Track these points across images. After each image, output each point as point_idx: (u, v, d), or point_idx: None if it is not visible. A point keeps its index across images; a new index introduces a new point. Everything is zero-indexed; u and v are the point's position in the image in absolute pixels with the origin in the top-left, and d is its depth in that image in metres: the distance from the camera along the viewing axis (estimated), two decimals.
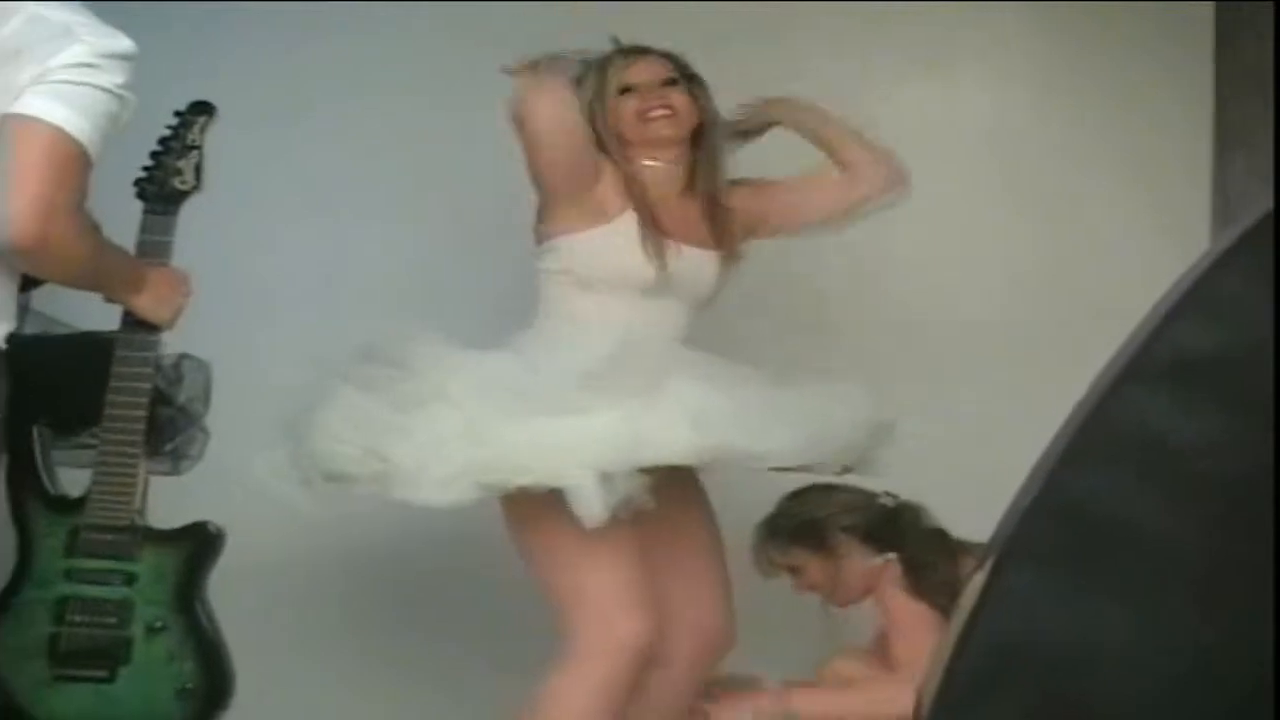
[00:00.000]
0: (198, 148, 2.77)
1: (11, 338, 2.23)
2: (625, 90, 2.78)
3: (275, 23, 3.62)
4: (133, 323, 2.65)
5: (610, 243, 2.70)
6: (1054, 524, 1.28)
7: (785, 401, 2.62)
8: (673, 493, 2.59)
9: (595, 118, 2.75)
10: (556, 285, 2.74)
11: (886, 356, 3.40)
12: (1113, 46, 3.63)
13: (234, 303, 3.33)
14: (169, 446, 2.83)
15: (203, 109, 2.80)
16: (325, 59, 3.65)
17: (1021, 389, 3.26)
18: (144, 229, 2.71)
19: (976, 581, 1.30)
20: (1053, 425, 1.30)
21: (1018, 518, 1.28)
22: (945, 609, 2.64)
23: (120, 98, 2.17)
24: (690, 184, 2.82)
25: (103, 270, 2.42)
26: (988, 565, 1.29)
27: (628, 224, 2.70)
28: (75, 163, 2.13)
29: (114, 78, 2.16)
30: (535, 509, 2.51)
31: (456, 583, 3.46)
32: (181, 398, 2.86)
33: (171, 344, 2.81)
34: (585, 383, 2.51)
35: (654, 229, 2.71)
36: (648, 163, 2.77)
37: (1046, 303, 3.60)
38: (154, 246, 2.69)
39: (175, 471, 2.85)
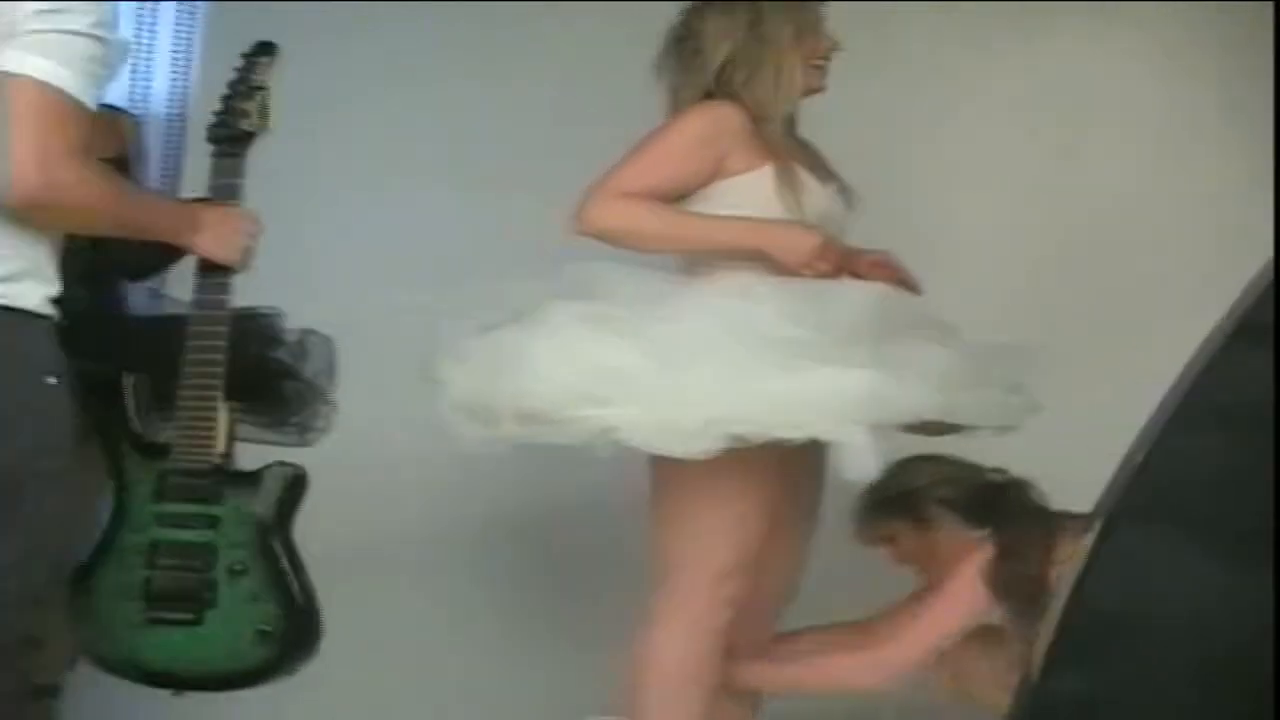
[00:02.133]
0: (263, 88, 2.76)
1: (60, 302, 2.21)
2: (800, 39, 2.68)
3: None
4: (205, 268, 2.65)
5: (773, 183, 2.62)
6: (1162, 486, 1.29)
7: (983, 359, 2.57)
8: (814, 451, 2.53)
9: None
10: None
11: (992, 322, 3.13)
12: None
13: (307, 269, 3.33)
14: (295, 419, 2.85)
15: (266, 49, 2.79)
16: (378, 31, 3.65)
17: (1133, 354, 3.01)
18: (213, 172, 2.71)
19: (1086, 543, 1.32)
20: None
21: (1126, 480, 1.29)
22: (1018, 610, 2.57)
23: (97, 38, 2.12)
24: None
25: (133, 215, 2.38)
26: (1097, 527, 1.30)
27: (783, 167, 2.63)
28: (61, 111, 2.08)
29: (84, 19, 2.10)
30: (709, 464, 2.40)
31: (570, 539, 3.46)
32: (308, 371, 2.87)
33: (295, 319, 2.87)
34: (846, 335, 2.44)
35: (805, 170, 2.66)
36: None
37: (1151, 267, 3.45)
38: (224, 189, 2.69)
39: (303, 443, 2.86)
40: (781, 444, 2.40)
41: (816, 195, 2.65)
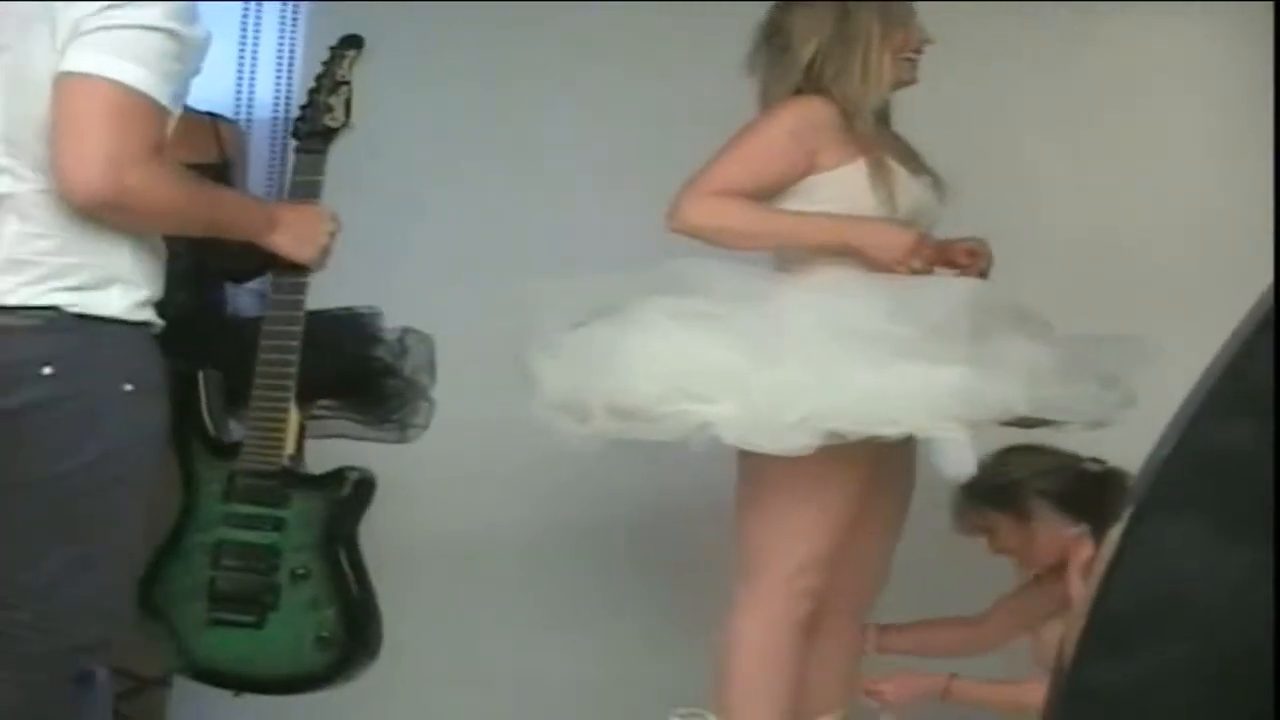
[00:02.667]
0: (347, 83, 2.72)
1: (159, 306, 2.21)
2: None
3: None
4: (282, 267, 2.62)
5: (865, 178, 2.61)
6: (1193, 473, 1.26)
7: (1078, 353, 2.56)
8: (904, 447, 2.56)
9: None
10: None
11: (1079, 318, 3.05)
12: None
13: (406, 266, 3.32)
14: (395, 416, 2.84)
15: (352, 43, 2.75)
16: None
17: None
18: (295, 169, 2.69)
19: (1115, 531, 1.30)
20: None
21: (1157, 467, 1.27)
22: None
23: (168, 32, 2.08)
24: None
25: (207, 214, 2.34)
26: (1126, 514, 1.29)
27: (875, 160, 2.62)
28: (134, 110, 2.05)
29: (152, 12, 2.06)
30: (796, 459, 2.40)
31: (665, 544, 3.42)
32: (408, 369, 2.87)
33: (391, 318, 2.88)
34: (941, 331, 2.42)
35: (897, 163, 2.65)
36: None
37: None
38: (305, 186, 2.67)
39: (403, 439, 2.86)
40: (876, 440, 2.41)
41: (909, 188, 2.63)
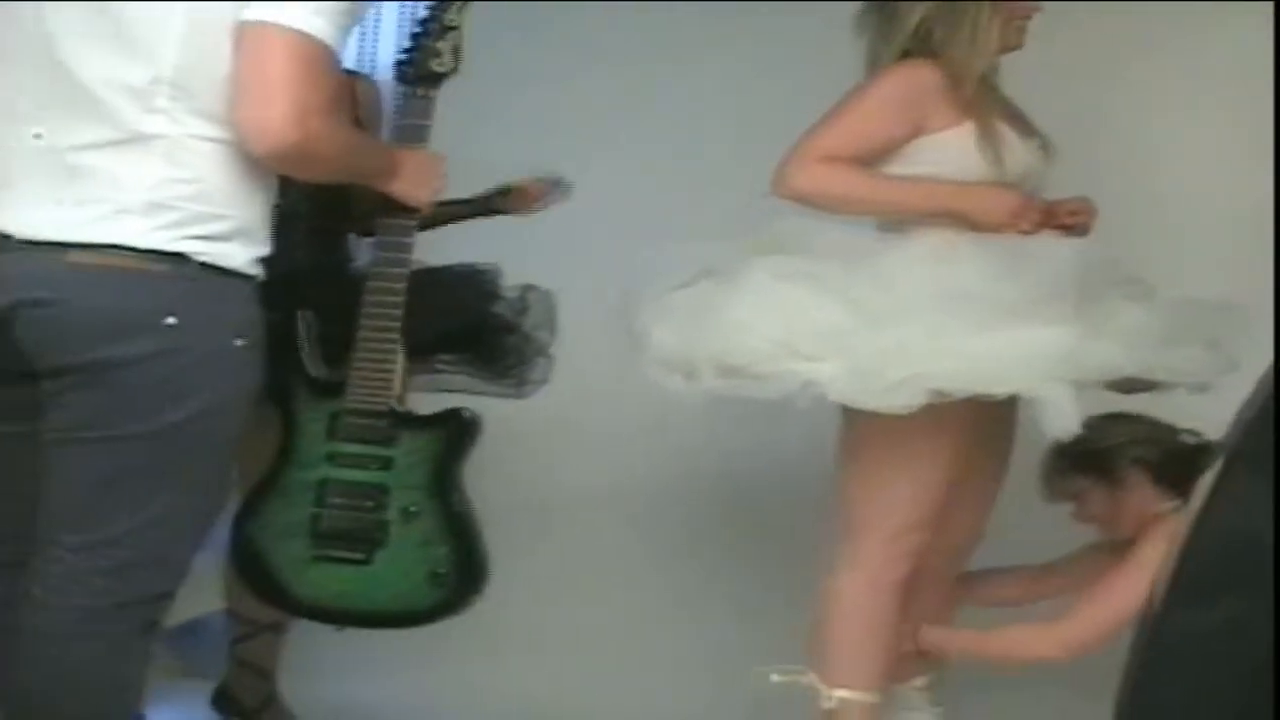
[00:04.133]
0: (456, 28, 2.72)
1: (268, 261, 2.21)
2: None
3: None
4: (391, 211, 2.63)
5: (974, 141, 2.59)
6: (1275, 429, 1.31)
7: (1182, 315, 2.55)
8: (1006, 408, 2.56)
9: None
10: None
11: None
12: None
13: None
14: (514, 372, 2.87)
15: None
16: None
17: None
18: (402, 112, 2.69)
19: (1206, 481, 1.36)
20: None
21: (1245, 423, 1.33)
22: None
23: None
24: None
25: (358, 163, 2.38)
26: (1218, 466, 1.35)
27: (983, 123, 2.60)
28: (319, 62, 2.05)
29: None
30: (900, 418, 2.40)
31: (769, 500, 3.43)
32: (527, 325, 2.89)
33: (514, 275, 2.91)
34: (1046, 292, 2.42)
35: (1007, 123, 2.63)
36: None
37: None
38: (412, 130, 2.66)
39: (520, 395, 2.89)
40: (979, 400, 2.40)
41: (1018, 151, 2.61)
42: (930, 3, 2.59)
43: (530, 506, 3.26)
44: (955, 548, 2.75)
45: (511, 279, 2.92)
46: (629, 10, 3.62)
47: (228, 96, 2.04)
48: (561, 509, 3.51)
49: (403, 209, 2.61)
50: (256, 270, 2.15)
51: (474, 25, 2.72)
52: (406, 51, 2.71)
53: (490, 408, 2.79)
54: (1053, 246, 2.53)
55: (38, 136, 2.07)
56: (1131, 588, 2.51)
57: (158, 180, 2.05)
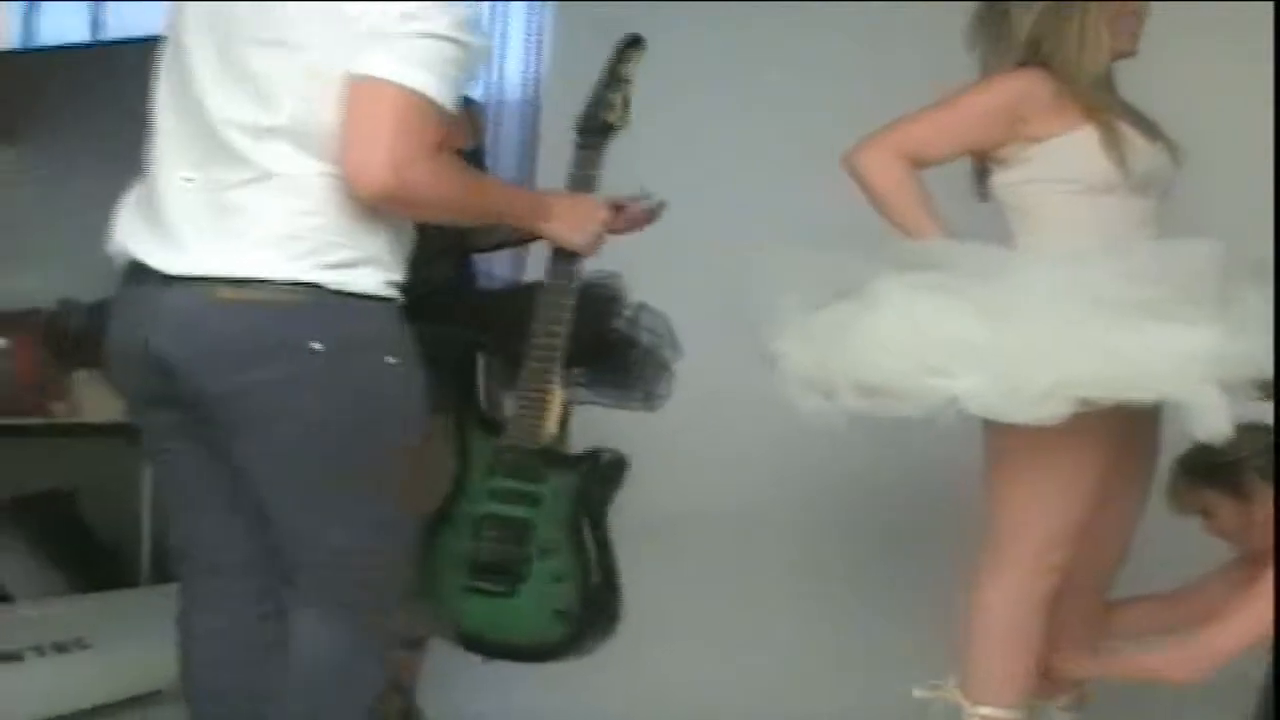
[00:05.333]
0: (628, 81, 2.82)
1: (404, 288, 2.33)
2: None
3: None
4: (555, 254, 2.74)
5: (1096, 143, 2.58)
6: None
7: None
8: (1149, 415, 2.54)
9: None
10: (1038, 194, 2.63)
11: None
12: None
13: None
14: (640, 386, 2.94)
15: (633, 42, 2.85)
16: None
17: None
18: (574, 163, 2.79)
19: None
20: None
21: None
22: None
23: (454, 40, 2.20)
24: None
25: (479, 204, 2.47)
26: None
27: (1105, 125, 2.59)
28: (419, 114, 2.17)
29: (443, 21, 2.18)
30: (1045, 429, 2.37)
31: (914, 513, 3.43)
32: (646, 341, 2.96)
33: (636, 293, 2.97)
34: (1188, 292, 2.38)
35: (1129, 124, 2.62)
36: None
37: None
38: (581, 180, 2.77)
39: (648, 408, 2.94)
40: (1126, 406, 2.36)
41: (1142, 153, 2.60)
42: (1039, 11, 2.60)
43: (656, 523, 3.29)
44: (1101, 562, 2.71)
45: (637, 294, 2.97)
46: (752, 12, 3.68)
47: (335, 143, 2.18)
48: (690, 525, 3.55)
49: (564, 252, 2.72)
50: (392, 293, 2.27)
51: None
52: (587, 104, 2.81)
53: (609, 424, 2.87)
54: (1190, 246, 2.46)
55: (188, 180, 2.24)
56: (1264, 605, 2.44)
57: (288, 214, 2.20)
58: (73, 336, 3.68)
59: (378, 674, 2.37)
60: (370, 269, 2.24)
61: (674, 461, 3.36)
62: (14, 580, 3.79)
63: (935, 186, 2.65)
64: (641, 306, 2.96)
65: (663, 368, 2.94)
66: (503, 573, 2.73)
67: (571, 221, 2.66)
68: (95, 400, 3.71)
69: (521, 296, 2.97)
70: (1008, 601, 2.58)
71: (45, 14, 4.38)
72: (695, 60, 3.73)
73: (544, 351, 2.76)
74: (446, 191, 2.29)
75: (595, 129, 2.79)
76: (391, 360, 2.25)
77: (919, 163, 2.63)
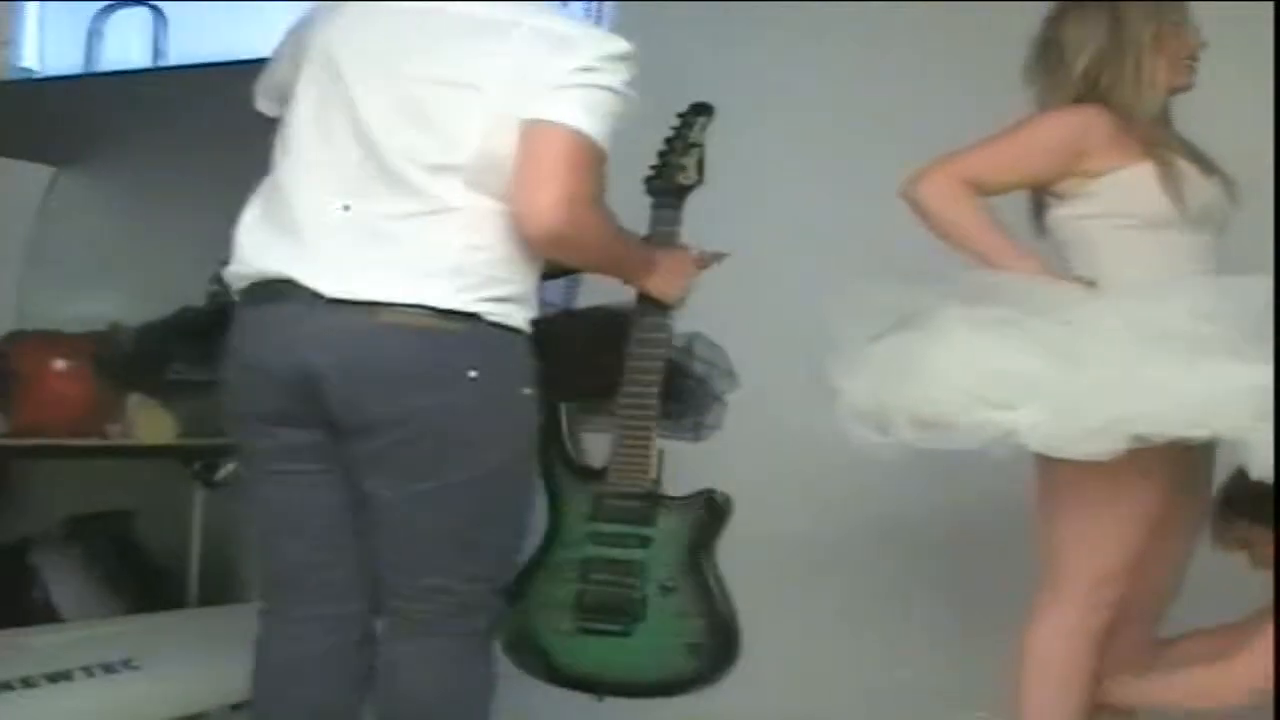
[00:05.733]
0: (699, 145, 2.95)
1: (535, 322, 2.47)
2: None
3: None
4: (646, 303, 2.86)
5: (1154, 179, 2.62)
6: None
7: None
8: (1203, 450, 2.55)
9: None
10: (1096, 230, 2.67)
11: None
12: None
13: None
14: (690, 416, 3.03)
15: (702, 110, 2.99)
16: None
17: None
18: (653, 223, 2.92)
19: None
20: None
21: None
22: None
23: (623, 95, 2.37)
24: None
25: (620, 256, 2.63)
26: None
27: (1163, 161, 2.63)
28: (591, 160, 2.33)
29: (616, 77, 2.36)
30: (1099, 465, 2.40)
31: (973, 546, 3.46)
32: (698, 371, 3.05)
33: (693, 322, 3.02)
34: (1248, 329, 2.40)
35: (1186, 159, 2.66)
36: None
37: None
38: (663, 236, 2.90)
39: (698, 438, 3.04)
40: (1181, 443, 2.38)
41: (1199, 188, 2.64)
42: (1096, 48, 2.64)
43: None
44: (1153, 597, 2.74)
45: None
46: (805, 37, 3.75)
47: (508, 183, 2.31)
48: (737, 555, 3.62)
49: (656, 303, 2.84)
50: (529, 329, 2.40)
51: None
52: (655, 167, 2.95)
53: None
54: (1250, 282, 2.49)
55: (346, 208, 2.33)
56: None
57: (461, 247, 2.32)
58: (121, 359, 3.70)
59: (489, 685, 2.49)
60: (519, 305, 2.38)
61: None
62: (65, 601, 3.81)
63: None
64: (696, 336, 3.03)
65: (714, 399, 3.04)
66: (617, 613, 2.84)
67: (671, 277, 2.80)
68: (148, 423, 3.73)
69: (578, 324, 3.10)
70: (1061, 636, 2.61)
71: (107, 39, 4.39)
72: (749, 74, 3.78)
73: (640, 400, 2.89)
74: (604, 237, 2.46)
75: (670, 190, 2.93)
76: (527, 392, 2.39)
77: (981, 193, 2.65)
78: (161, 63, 4.35)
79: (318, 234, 2.33)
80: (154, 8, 4.37)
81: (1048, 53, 2.72)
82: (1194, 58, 2.71)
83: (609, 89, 2.34)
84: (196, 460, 3.83)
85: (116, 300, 4.05)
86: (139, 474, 3.96)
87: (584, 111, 2.31)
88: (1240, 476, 2.61)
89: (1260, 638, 2.57)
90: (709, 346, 3.06)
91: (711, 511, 2.88)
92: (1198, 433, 2.36)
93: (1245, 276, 2.52)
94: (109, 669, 3.35)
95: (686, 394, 3.02)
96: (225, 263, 2.47)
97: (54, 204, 4.39)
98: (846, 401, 2.54)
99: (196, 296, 3.83)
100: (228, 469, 3.81)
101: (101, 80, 4.39)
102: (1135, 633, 2.75)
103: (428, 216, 2.31)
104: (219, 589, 3.93)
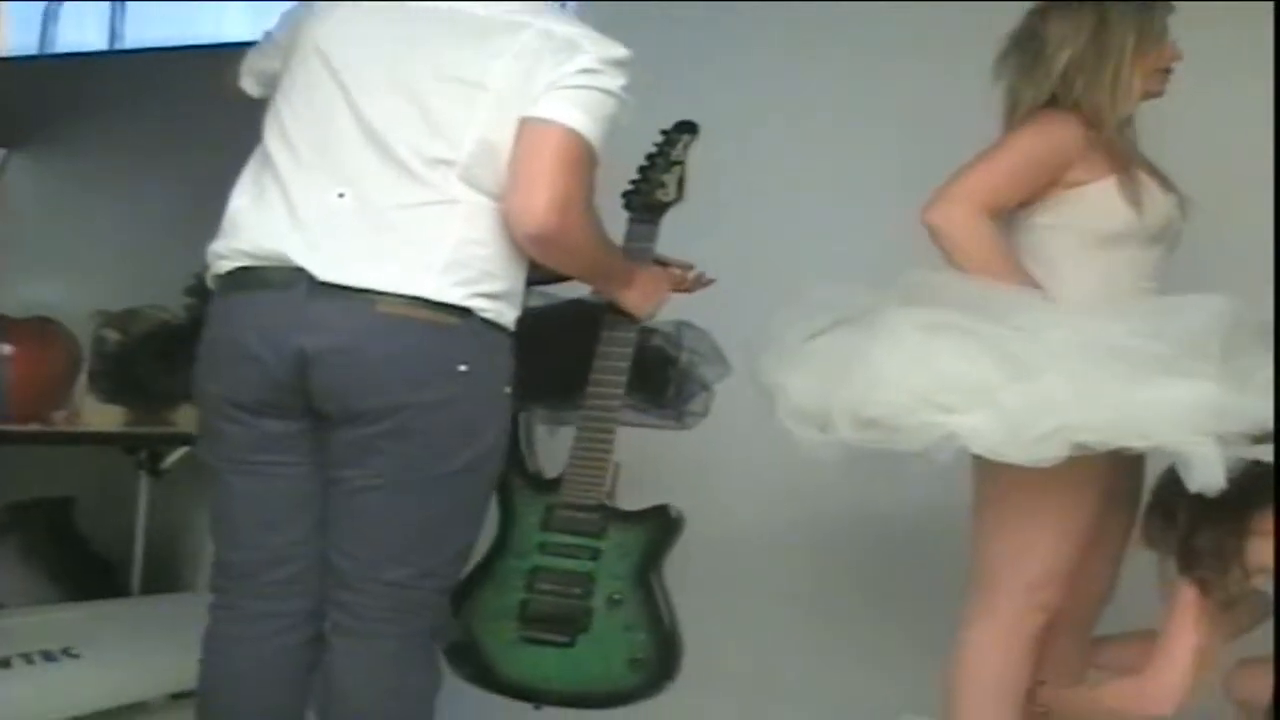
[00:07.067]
0: (680, 163, 2.95)
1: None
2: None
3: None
4: (616, 316, 2.85)
5: (1118, 193, 2.64)
6: None
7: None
8: (1136, 461, 2.60)
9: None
10: (1056, 240, 2.67)
11: None
12: None
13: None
14: (672, 404, 3.03)
15: (686, 128, 2.98)
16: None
17: None
18: (629, 237, 2.91)
19: None
20: None
21: None
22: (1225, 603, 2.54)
23: (621, 100, 2.39)
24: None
25: (604, 264, 2.63)
26: None
27: (1128, 174, 2.65)
28: (586, 161, 2.35)
29: (615, 81, 2.37)
30: (1036, 471, 2.41)
31: (911, 548, 3.49)
32: (683, 359, 3.04)
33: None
34: (1191, 347, 2.42)
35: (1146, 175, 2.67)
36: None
37: None
38: (638, 252, 2.89)
39: (681, 426, 3.04)
40: (1122, 453, 2.42)
41: (1159, 204, 2.67)
42: (1077, 48, 2.63)
43: None
44: (1087, 601, 2.76)
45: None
46: (780, 39, 3.74)
47: (504, 181, 2.32)
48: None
49: (626, 317, 2.84)
50: (514, 327, 2.41)
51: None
52: (634, 182, 2.94)
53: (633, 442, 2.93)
54: (1199, 301, 2.50)
55: (341, 196, 2.33)
56: (1178, 625, 2.54)
57: (458, 240, 2.32)
58: (108, 378, 3.68)
59: (432, 688, 2.48)
60: (508, 303, 2.39)
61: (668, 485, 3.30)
62: (6, 588, 3.79)
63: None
64: (683, 324, 3.02)
65: (701, 387, 3.04)
66: (563, 624, 2.85)
67: (646, 292, 2.81)
68: (95, 410, 3.71)
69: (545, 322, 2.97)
70: (997, 640, 2.63)
71: (63, 21, 4.34)
72: (714, 76, 3.77)
73: (601, 411, 2.88)
74: (593, 242, 2.47)
75: (649, 206, 2.92)
76: (508, 390, 2.41)
77: (995, 214, 2.63)
78: (119, 47, 4.30)
79: (316, 220, 2.32)
80: None
81: (1026, 46, 2.70)
82: (1169, 69, 2.72)
83: (608, 92, 2.36)
84: (142, 449, 3.80)
85: (65, 284, 4.01)
86: (83, 461, 3.94)
87: (582, 112, 2.32)
88: (1171, 480, 2.63)
89: (1178, 646, 2.58)
90: (696, 334, 3.05)
91: (664, 527, 2.90)
92: (1139, 444, 2.40)
93: (1189, 295, 2.54)
94: (49, 656, 3.36)
95: (670, 381, 3.02)
96: (200, 275, 2.45)
97: (4, 186, 4.34)
98: (787, 401, 2.54)
99: (148, 284, 3.80)
100: (174, 458, 3.81)
101: (57, 62, 4.34)
102: (1069, 640, 2.77)
103: (426, 208, 2.31)
104: (162, 578, 3.91)
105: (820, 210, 3.71)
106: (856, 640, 3.59)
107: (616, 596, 2.85)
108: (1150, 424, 2.36)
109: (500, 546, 2.92)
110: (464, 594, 2.86)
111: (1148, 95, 2.71)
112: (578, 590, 2.86)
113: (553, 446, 3.05)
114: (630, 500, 2.92)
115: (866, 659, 3.54)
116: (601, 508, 2.89)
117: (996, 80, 2.72)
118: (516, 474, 2.96)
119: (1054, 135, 2.64)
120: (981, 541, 2.67)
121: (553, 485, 2.93)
